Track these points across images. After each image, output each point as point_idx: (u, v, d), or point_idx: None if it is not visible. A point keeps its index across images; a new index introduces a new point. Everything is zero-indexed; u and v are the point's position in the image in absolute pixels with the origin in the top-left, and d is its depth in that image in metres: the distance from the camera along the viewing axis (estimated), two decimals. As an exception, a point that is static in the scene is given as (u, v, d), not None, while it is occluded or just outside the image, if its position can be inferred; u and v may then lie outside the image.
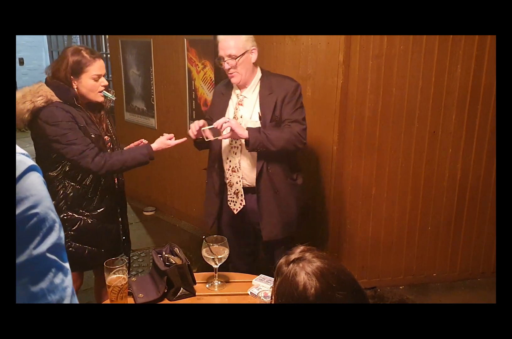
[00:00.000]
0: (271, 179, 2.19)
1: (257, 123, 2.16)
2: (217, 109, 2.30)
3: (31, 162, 0.64)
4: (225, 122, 2.04)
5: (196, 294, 1.74)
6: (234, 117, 2.20)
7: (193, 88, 3.56)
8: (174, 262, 1.75)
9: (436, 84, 2.66)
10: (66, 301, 0.65)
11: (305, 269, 1.01)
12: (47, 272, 0.64)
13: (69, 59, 1.94)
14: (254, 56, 2.15)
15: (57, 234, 0.65)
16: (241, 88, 2.23)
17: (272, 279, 1.80)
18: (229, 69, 2.12)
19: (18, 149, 0.64)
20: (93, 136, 2.01)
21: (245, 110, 2.22)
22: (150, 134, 4.10)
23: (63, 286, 0.65)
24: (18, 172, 0.62)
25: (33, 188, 0.63)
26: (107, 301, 1.65)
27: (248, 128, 2.09)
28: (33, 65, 8.72)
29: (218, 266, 1.76)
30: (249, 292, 1.73)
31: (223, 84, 2.34)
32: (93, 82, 1.98)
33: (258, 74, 2.22)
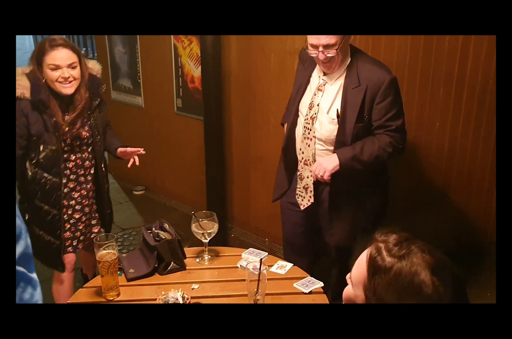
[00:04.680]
0: (349, 176, 1.90)
1: (333, 122, 1.87)
2: (294, 86, 2.02)
3: None
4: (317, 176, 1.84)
5: (187, 268, 1.76)
6: (310, 106, 1.92)
7: (180, 65, 3.51)
8: (164, 237, 1.76)
9: (423, 59, 2.66)
10: None
11: (422, 265, 0.88)
12: (16, 288, 0.61)
13: (35, 49, 1.94)
14: (351, 38, 1.82)
15: (24, 242, 0.62)
16: (325, 71, 1.89)
17: (261, 252, 1.84)
18: (325, 59, 1.80)
19: None
20: (49, 148, 1.94)
21: (324, 100, 1.90)
22: (137, 112, 4.07)
23: (33, 302, 0.63)
24: None
25: None
26: (98, 277, 1.66)
27: (338, 154, 1.84)
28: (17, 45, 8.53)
29: (207, 240, 1.78)
30: (238, 265, 1.75)
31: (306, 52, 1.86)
32: (49, 72, 1.89)
33: (348, 58, 1.85)
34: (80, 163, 2.10)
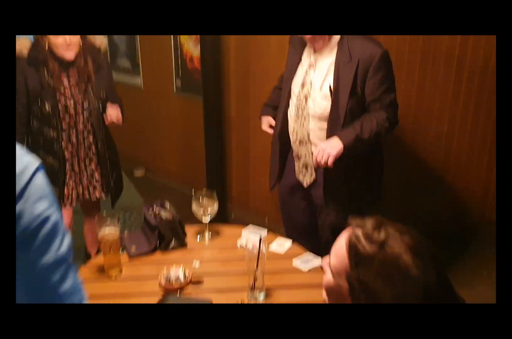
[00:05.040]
0: (345, 156, 1.85)
1: (326, 98, 1.87)
2: (286, 68, 2.03)
3: (38, 161, 0.63)
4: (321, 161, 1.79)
5: (187, 246, 1.79)
6: (302, 84, 1.93)
7: (178, 44, 3.48)
8: (165, 216, 1.79)
9: (424, 38, 2.63)
10: (85, 300, 0.65)
11: (403, 248, 0.86)
12: (71, 271, 0.63)
13: None
14: None
15: (68, 233, 0.66)
16: (316, 49, 1.89)
17: (261, 228, 1.86)
18: (312, 37, 1.83)
19: (22, 149, 0.62)
20: (47, 102, 2.10)
21: (316, 77, 1.90)
22: (137, 93, 4.05)
23: (80, 283, 0.65)
24: (30, 170, 0.60)
25: (45, 188, 0.62)
26: (100, 254, 1.69)
27: (340, 137, 1.80)
28: None
29: (208, 221, 1.80)
30: (238, 244, 1.78)
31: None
32: (52, 36, 2.01)
33: (337, 35, 1.83)
34: (80, 119, 2.23)
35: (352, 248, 0.90)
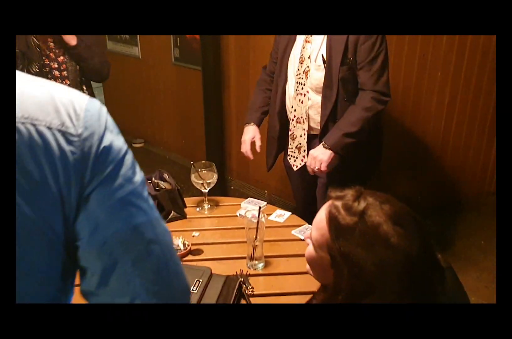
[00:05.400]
0: None
1: (320, 68, 1.86)
2: (281, 44, 1.98)
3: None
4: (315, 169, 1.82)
5: (187, 216, 1.80)
6: (300, 59, 1.90)
7: (176, 13, 3.40)
8: (163, 187, 1.79)
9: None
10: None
11: (384, 216, 0.86)
12: (148, 195, 0.68)
13: None
14: None
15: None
16: None
17: (260, 201, 1.87)
18: None
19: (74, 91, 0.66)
20: (34, 64, 2.12)
21: (312, 50, 1.88)
22: (134, 63, 3.99)
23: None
24: (104, 107, 0.66)
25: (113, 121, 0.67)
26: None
27: (325, 140, 1.82)
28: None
29: (207, 190, 1.81)
30: (237, 214, 1.79)
31: None
32: None
33: None
34: (69, 77, 2.22)
35: (332, 220, 0.90)
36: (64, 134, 0.59)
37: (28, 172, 0.56)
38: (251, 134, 2.09)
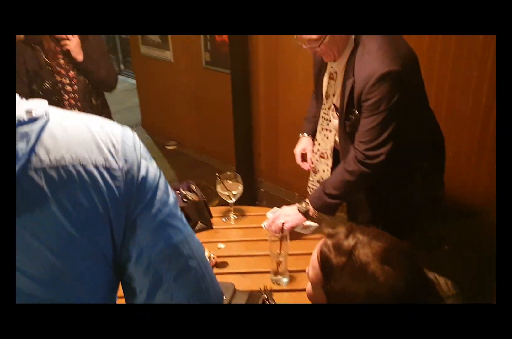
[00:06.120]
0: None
1: (335, 115, 1.71)
2: (314, 72, 1.82)
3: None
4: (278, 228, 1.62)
5: (213, 227, 1.83)
6: (326, 94, 1.73)
7: (206, 17, 3.42)
8: (191, 198, 1.82)
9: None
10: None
11: (371, 255, 0.87)
12: (181, 212, 0.76)
13: None
14: None
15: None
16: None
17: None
18: (314, 53, 1.63)
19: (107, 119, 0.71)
20: (47, 81, 2.22)
21: (336, 90, 1.70)
22: (167, 67, 4.04)
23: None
24: (136, 135, 0.71)
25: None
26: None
27: (310, 197, 1.71)
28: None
29: (233, 201, 1.82)
30: (263, 225, 1.79)
31: None
32: None
33: (350, 44, 1.55)
34: (79, 91, 2.31)
35: (323, 260, 0.92)
36: (109, 170, 0.65)
37: (80, 205, 0.62)
38: (301, 146, 1.97)
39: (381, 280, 0.85)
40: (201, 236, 1.77)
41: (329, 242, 0.93)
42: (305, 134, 1.99)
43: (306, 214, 1.70)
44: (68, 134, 0.64)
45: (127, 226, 0.67)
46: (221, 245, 1.71)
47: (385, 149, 1.55)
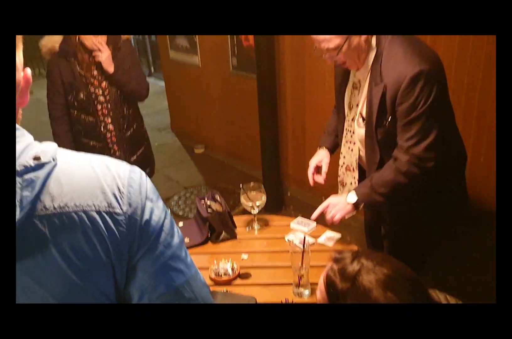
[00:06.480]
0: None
1: (361, 125, 1.66)
2: (335, 84, 1.80)
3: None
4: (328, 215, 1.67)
5: (237, 236, 1.85)
6: (349, 105, 1.72)
7: (233, 22, 3.44)
8: (215, 208, 1.85)
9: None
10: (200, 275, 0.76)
11: (374, 282, 0.88)
12: (186, 251, 0.74)
13: None
14: (362, 37, 1.51)
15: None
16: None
17: (310, 222, 1.88)
18: (333, 62, 1.62)
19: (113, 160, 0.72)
20: (82, 92, 2.31)
21: (360, 100, 1.66)
22: (195, 71, 4.10)
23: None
24: (144, 175, 0.72)
25: (154, 186, 0.73)
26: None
27: (356, 189, 1.68)
28: None
29: (256, 212, 1.84)
30: (286, 239, 1.80)
31: None
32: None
33: (372, 51, 1.54)
34: (111, 101, 2.39)
35: (329, 285, 0.94)
36: (112, 215, 0.65)
37: (82, 251, 0.63)
38: (318, 158, 1.93)
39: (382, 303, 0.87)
40: (226, 246, 1.81)
41: (335, 267, 0.95)
42: (323, 147, 1.97)
43: (355, 205, 1.68)
44: (73, 179, 0.65)
45: (129, 269, 0.67)
46: (245, 256, 1.73)
47: (434, 151, 1.53)
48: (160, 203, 0.73)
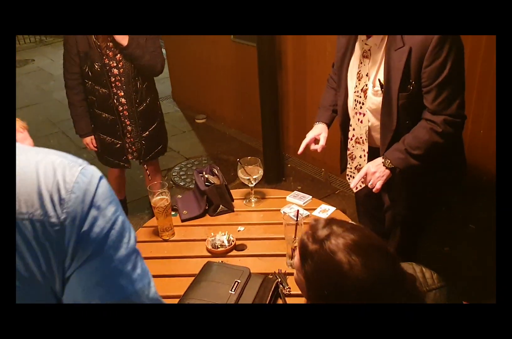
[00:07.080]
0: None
1: (378, 93, 1.65)
2: (339, 53, 1.77)
3: (99, 171, 0.69)
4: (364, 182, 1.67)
5: (234, 209, 1.90)
6: (358, 74, 1.70)
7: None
8: (213, 182, 1.89)
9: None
10: (152, 280, 0.71)
11: (341, 245, 0.94)
12: (139, 258, 0.70)
13: None
14: None
15: (131, 226, 0.72)
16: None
17: (305, 195, 1.92)
18: None
19: (80, 159, 0.67)
20: (96, 63, 2.31)
21: (371, 68, 1.66)
22: (196, 39, 4.03)
23: (146, 267, 0.71)
24: (96, 179, 0.66)
25: (111, 193, 0.67)
26: (153, 219, 1.84)
27: (387, 155, 1.66)
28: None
29: (253, 185, 1.88)
30: (282, 211, 1.85)
31: None
32: None
33: None
34: (124, 74, 2.38)
35: (302, 246, 1.02)
36: (44, 224, 0.61)
37: (21, 259, 0.61)
38: (316, 131, 1.92)
39: (345, 269, 0.93)
40: (223, 218, 1.86)
41: (310, 231, 1.02)
42: (321, 122, 1.96)
43: (392, 170, 1.67)
44: (20, 184, 0.61)
45: (64, 281, 0.64)
46: (241, 228, 1.79)
47: (464, 108, 1.58)
48: (109, 211, 0.66)
